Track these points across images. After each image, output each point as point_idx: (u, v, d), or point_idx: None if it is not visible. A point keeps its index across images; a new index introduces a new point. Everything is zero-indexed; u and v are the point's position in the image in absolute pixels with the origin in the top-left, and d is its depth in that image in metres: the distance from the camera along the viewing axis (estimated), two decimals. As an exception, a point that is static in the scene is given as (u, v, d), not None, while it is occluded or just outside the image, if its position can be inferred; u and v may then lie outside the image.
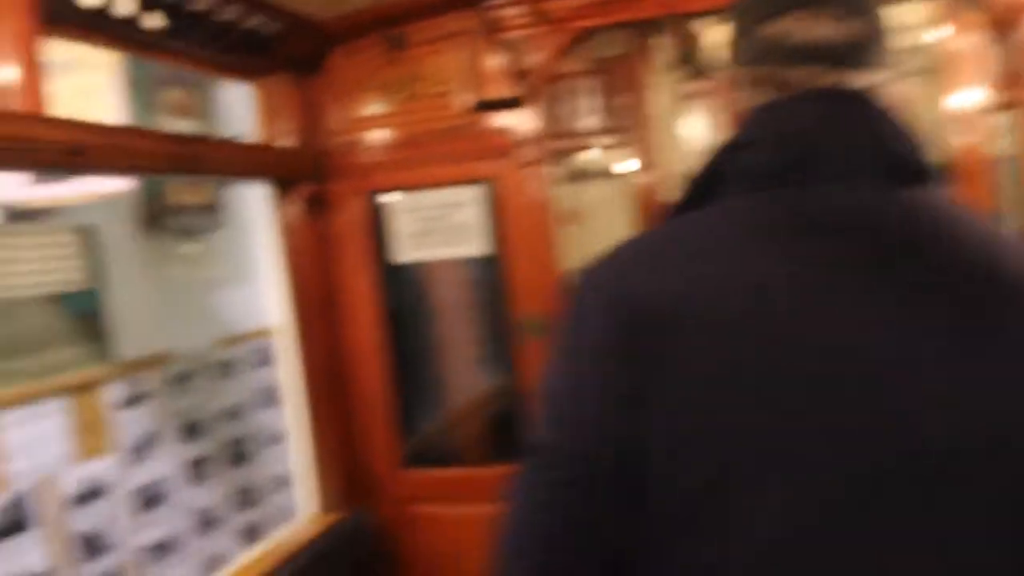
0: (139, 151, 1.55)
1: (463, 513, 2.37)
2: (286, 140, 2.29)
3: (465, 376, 2.89)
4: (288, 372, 2.43)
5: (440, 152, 2.27)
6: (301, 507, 2.44)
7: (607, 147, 2.96)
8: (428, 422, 2.85)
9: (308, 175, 2.28)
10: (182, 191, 3.19)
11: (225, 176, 1.84)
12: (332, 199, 2.37)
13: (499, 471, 2.43)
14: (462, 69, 2.23)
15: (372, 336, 2.39)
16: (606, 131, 2.75)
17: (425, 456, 2.51)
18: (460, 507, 2.37)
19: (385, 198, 2.40)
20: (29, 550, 2.53)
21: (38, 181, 2.44)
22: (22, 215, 2.55)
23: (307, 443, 2.36)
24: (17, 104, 1.36)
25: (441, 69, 2.24)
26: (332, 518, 2.34)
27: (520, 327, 2.23)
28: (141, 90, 2.93)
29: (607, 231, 2.84)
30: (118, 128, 1.48)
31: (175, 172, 1.63)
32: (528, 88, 2.12)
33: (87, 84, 2.45)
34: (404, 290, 2.68)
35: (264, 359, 3.54)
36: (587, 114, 2.25)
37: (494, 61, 2.20)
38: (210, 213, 3.37)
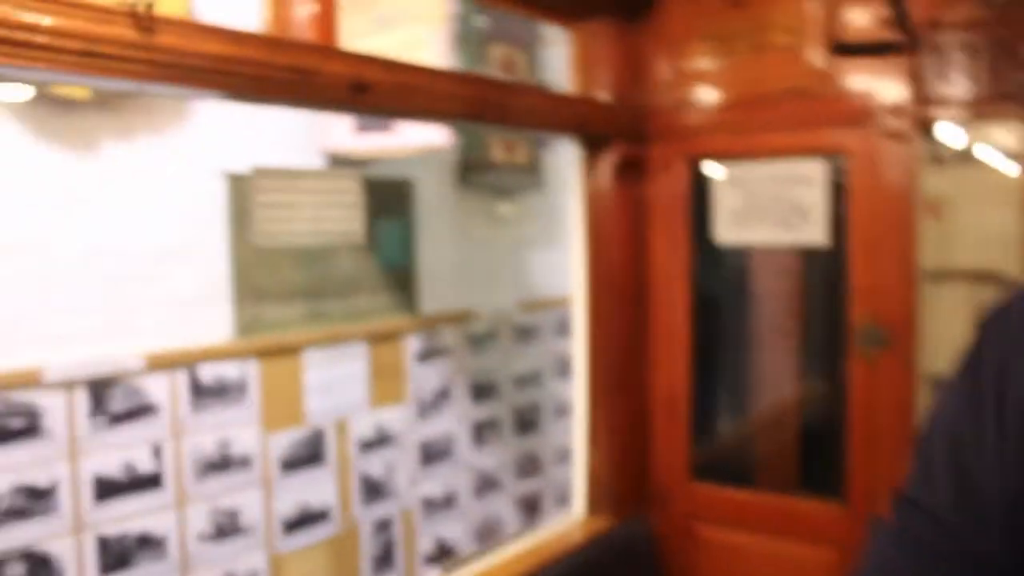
0: (430, 92, 1.33)
1: (755, 544, 1.97)
2: (601, 93, 1.99)
3: (777, 382, 2.47)
4: (580, 347, 2.16)
5: (781, 116, 1.85)
6: (576, 497, 2.16)
7: (990, 121, 2.31)
8: (727, 430, 2.48)
9: (623, 134, 1.97)
10: (501, 149, 3.04)
11: (527, 128, 1.59)
12: (648, 164, 2.04)
13: (805, 505, 2.00)
14: (816, 17, 1.79)
15: (677, 323, 2.05)
16: (992, 100, 2.13)
17: (718, 469, 2.13)
18: (752, 537, 1.97)
19: (710, 167, 2.03)
20: (321, 483, 2.53)
21: (361, 130, 2.38)
22: (345, 164, 2.52)
23: (589, 428, 2.08)
24: (307, 36, 1.19)
25: (791, 17, 1.81)
26: (606, 522, 2.04)
27: (855, 335, 1.77)
28: (468, 45, 2.81)
29: (976, 230, 2.22)
30: (409, 66, 1.26)
31: (470, 118, 1.40)
32: (902, 38, 1.63)
33: (414, 37, 2.34)
34: (720, 276, 2.32)
35: (565, 328, 3.34)
36: (970, 78, 1.71)
37: (858, 10, 1.74)
38: (527, 173, 3.20)
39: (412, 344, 2.83)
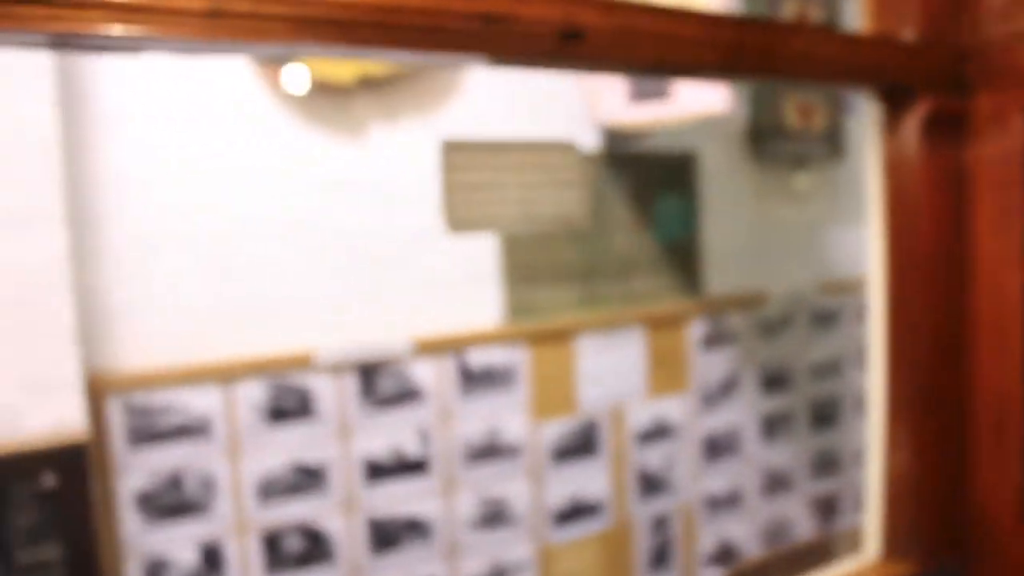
0: (663, 38, 0.98)
1: None
2: (906, 31, 1.48)
3: None
4: (877, 343, 1.68)
5: None
6: (869, 534, 1.71)
7: None
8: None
9: (934, 82, 1.45)
10: (796, 114, 2.56)
11: (801, 79, 1.17)
12: (970, 119, 1.50)
13: None
14: None
15: (1009, 318, 1.50)
16: None
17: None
18: None
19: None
20: (594, 475, 2.30)
21: (636, 98, 2.06)
22: (619, 139, 2.22)
23: (886, 446, 1.62)
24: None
25: None
26: (909, 568, 1.57)
27: None
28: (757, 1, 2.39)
29: None
30: (632, 5, 0.92)
31: (720, 69, 1.03)
32: None
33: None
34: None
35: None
36: None
37: None
38: (826, 141, 2.68)
39: (695, 329, 2.49)
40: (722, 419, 2.58)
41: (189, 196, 1.72)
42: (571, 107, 2.19)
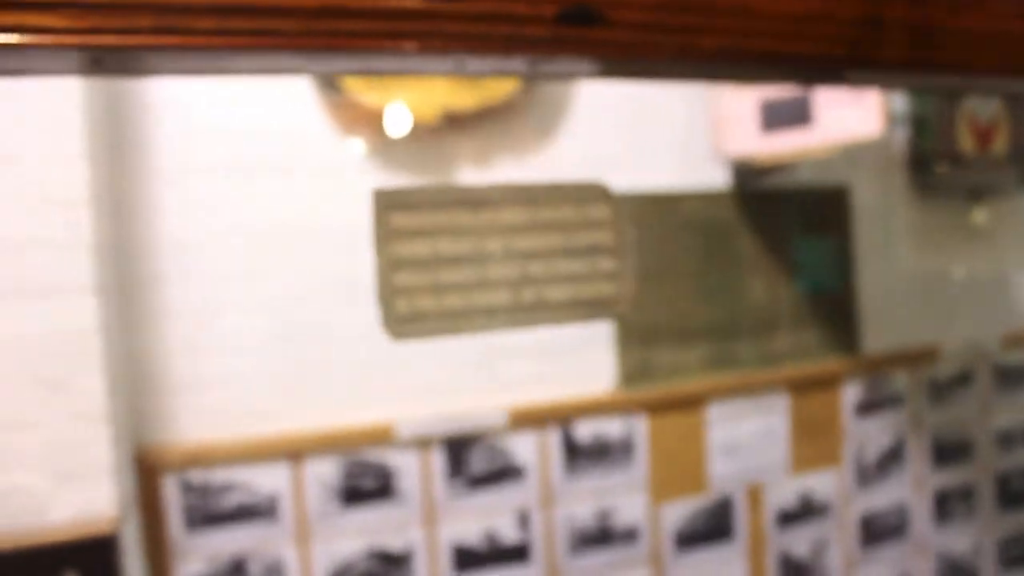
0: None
1: None
2: None
3: None
4: None
5: None
6: None
7: None
8: None
9: None
10: (968, 135, 2.03)
11: (983, 78, 0.70)
12: None
13: None
14: None
15: None
16: None
17: None
18: None
19: None
20: (728, 563, 1.87)
21: (768, 128, 1.65)
22: (751, 175, 1.80)
23: None
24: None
25: None
26: None
27: None
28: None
29: None
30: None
31: (842, 67, 0.59)
32: None
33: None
34: None
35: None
36: None
37: None
38: (1010, 166, 2.12)
39: (849, 392, 2.02)
40: (884, 497, 2.07)
41: (252, 256, 1.47)
42: (691, 142, 1.80)
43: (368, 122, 1.53)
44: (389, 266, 0.70)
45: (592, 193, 0.75)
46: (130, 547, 1.29)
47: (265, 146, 1.49)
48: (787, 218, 1.88)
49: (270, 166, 1.48)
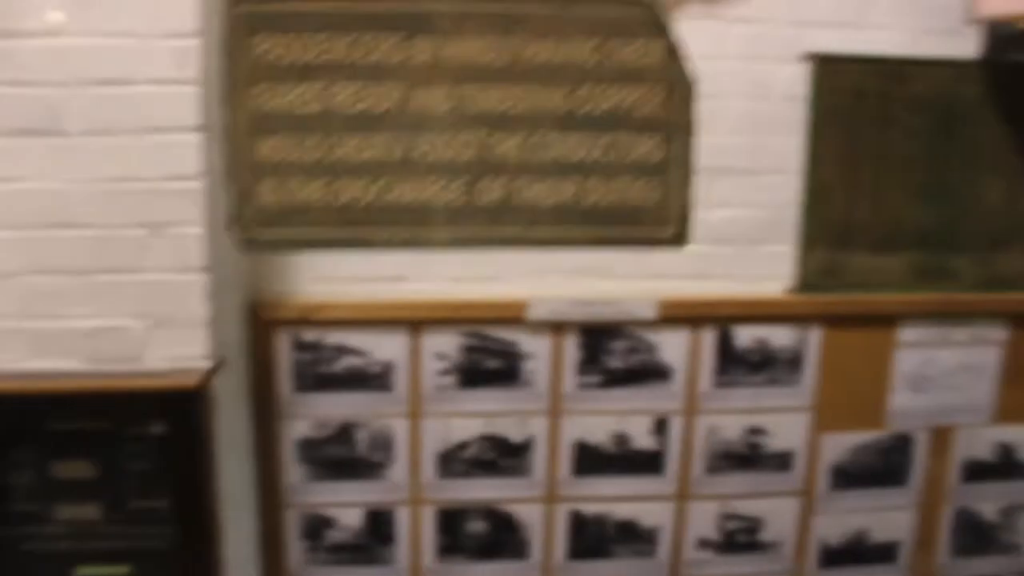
0: None
1: None
2: None
3: None
4: None
5: None
6: None
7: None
8: None
9: None
10: None
11: None
12: None
13: None
14: None
15: None
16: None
17: None
18: None
19: None
20: (892, 512, 1.70)
21: None
22: (1010, 42, 1.37)
23: None
24: None
25: None
26: None
27: None
28: None
29: None
30: None
31: None
32: None
33: None
34: None
35: None
36: None
37: None
38: None
39: (1090, 333, 1.63)
40: (1105, 463, 1.70)
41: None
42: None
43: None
44: (248, 127, 0.45)
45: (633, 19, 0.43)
46: (228, 401, 1.22)
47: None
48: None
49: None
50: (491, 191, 0.42)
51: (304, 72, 0.41)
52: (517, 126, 0.43)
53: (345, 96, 0.41)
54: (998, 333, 1.59)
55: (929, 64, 1.45)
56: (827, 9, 1.39)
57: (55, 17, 1.05)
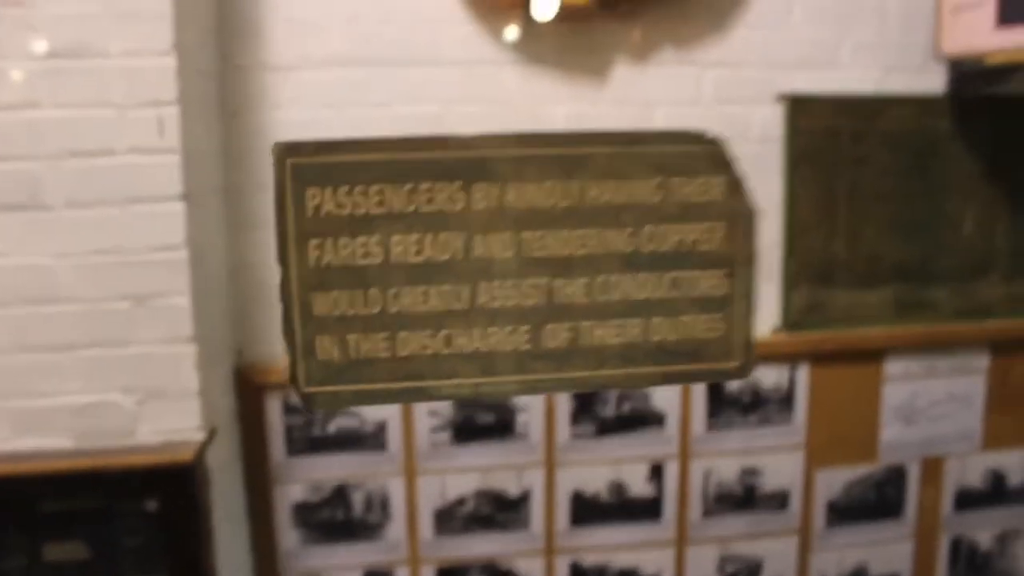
0: None
1: None
2: None
3: None
4: None
5: None
6: None
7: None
8: None
9: None
10: None
11: None
12: None
13: None
14: None
15: None
16: None
17: None
18: None
19: None
20: (888, 544, 1.68)
21: (1004, 23, 1.28)
22: (976, 78, 1.42)
23: None
24: None
25: None
26: None
27: None
28: None
29: None
30: None
31: None
32: None
33: None
34: None
35: None
36: None
37: None
38: None
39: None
40: (1095, 485, 1.72)
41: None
42: (903, 34, 1.44)
43: (510, 4, 1.30)
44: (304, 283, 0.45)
45: (693, 157, 0.45)
46: (221, 468, 1.20)
47: (393, 33, 1.30)
48: (1017, 134, 1.50)
49: (398, 57, 1.29)
50: (557, 335, 0.43)
51: (361, 224, 0.41)
52: (582, 268, 0.44)
53: (405, 246, 0.42)
54: (981, 360, 1.62)
55: (899, 101, 1.49)
56: (799, 50, 1.44)
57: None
